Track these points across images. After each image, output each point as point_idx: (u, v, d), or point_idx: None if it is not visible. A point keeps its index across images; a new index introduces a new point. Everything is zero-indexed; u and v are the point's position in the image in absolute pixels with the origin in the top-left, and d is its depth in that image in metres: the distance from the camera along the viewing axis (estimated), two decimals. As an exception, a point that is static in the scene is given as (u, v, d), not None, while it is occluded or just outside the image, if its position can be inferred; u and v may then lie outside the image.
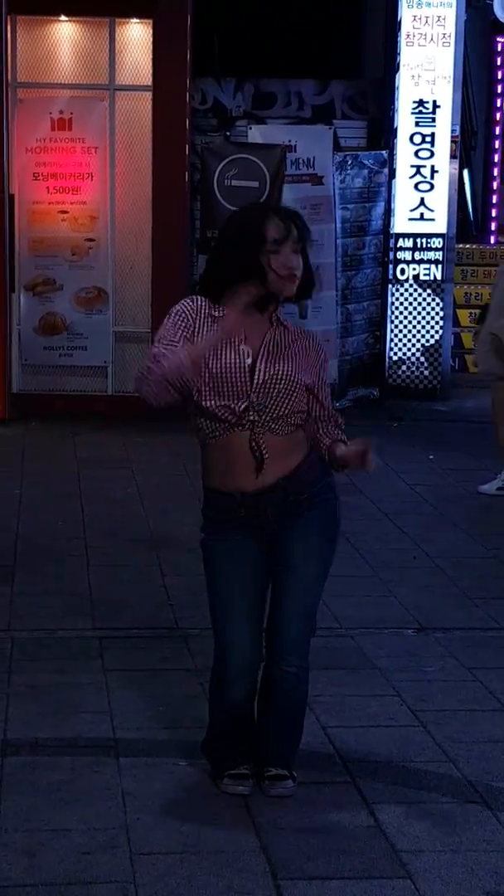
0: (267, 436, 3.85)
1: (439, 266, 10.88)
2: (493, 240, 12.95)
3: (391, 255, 10.88)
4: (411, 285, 10.92)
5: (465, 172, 12.59)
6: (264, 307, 3.88)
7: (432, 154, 10.75)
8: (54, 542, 6.85)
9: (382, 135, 10.99)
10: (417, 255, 10.89)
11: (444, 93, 10.68)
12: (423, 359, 10.98)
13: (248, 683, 4.01)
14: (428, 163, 10.77)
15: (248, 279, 3.81)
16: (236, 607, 3.96)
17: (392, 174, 10.78)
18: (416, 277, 10.91)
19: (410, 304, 10.93)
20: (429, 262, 10.88)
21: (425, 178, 10.79)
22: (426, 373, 10.99)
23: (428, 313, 10.93)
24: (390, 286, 10.92)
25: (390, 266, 10.89)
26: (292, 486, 3.90)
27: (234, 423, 3.84)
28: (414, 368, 10.99)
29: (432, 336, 10.94)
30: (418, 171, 10.79)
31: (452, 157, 10.80)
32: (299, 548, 3.95)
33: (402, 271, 10.91)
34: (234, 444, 3.87)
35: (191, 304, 3.89)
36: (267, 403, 3.83)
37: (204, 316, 3.86)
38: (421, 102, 10.71)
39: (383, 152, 10.80)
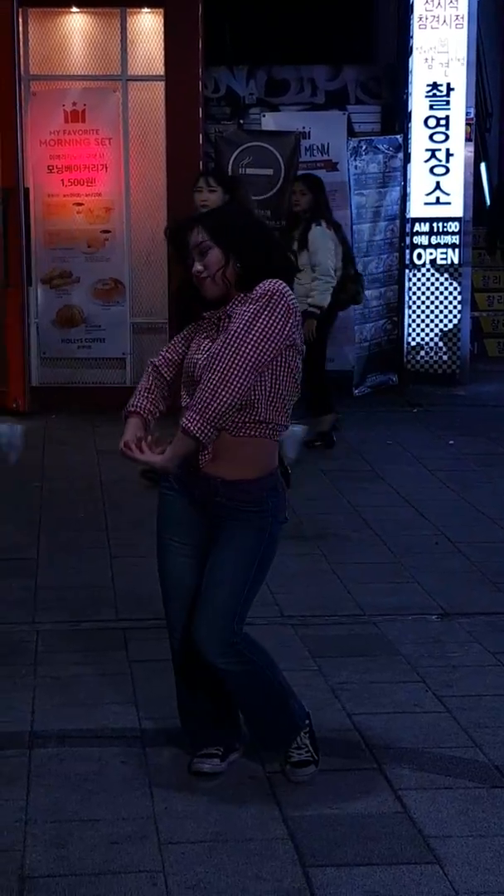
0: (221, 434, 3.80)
1: (456, 250, 10.86)
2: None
3: (408, 240, 10.86)
4: (428, 270, 10.90)
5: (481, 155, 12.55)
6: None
7: (447, 137, 10.72)
8: (76, 534, 6.87)
9: (397, 119, 10.97)
10: (434, 240, 10.87)
11: (457, 75, 10.64)
12: (441, 344, 10.96)
13: (185, 631, 4.00)
14: (443, 146, 10.74)
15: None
16: (175, 564, 4.00)
17: (407, 158, 10.75)
18: (433, 262, 10.89)
19: (428, 288, 10.91)
20: (446, 246, 10.86)
21: (440, 161, 10.76)
22: (445, 358, 10.98)
23: (446, 298, 10.91)
24: (407, 271, 10.90)
25: (407, 251, 10.87)
26: (224, 491, 3.86)
27: None
28: (432, 353, 10.98)
29: (450, 321, 10.92)
30: (433, 155, 10.76)
31: (467, 140, 10.76)
32: (215, 555, 3.92)
33: (419, 256, 10.89)
34: None
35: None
36: None
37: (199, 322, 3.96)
38: (435, 85, 10.67)
39: (398, 137, 10.77)
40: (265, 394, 3.80)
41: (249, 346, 3.72)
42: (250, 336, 3.72)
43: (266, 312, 3.74)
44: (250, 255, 3.83)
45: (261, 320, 3.74)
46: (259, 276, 3.81)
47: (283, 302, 3.76)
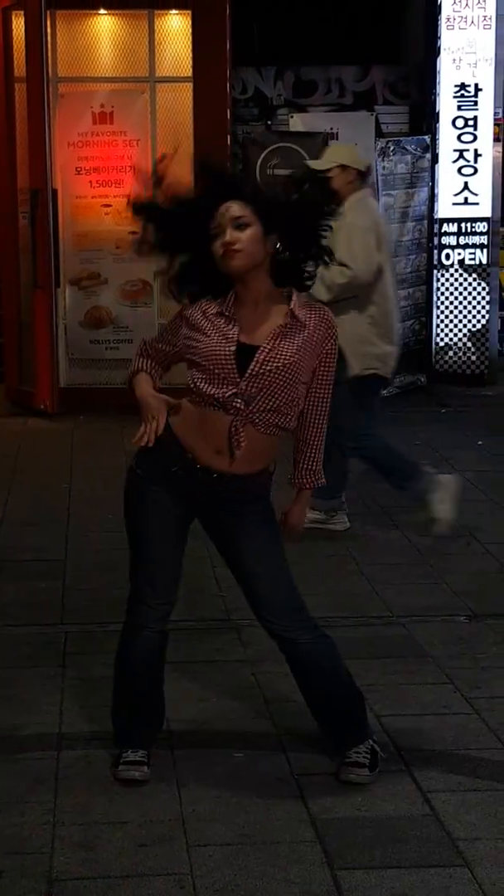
0: (248, 428, 3.84)
1: (484, 250, 10.82)
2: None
3: (436, 241, 10.82)
4: (456, 270, 10.86)
5: None
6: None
7: (475, 138, 10.68)
8: (104, 535, 6.87)
9: (424, 120, 10.93)
10: (462, 240, 10.83)
11: (485, 76, 10.60)
12: (469, 344, 10.92)
13: (163, 624, 4.08)
14: (471, 147, 10.70)
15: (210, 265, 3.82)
16: (151, 551, 4.03)
17: (435, 159, 10.72)
18: (461, 262, 10.85)
19: (456, 289, 10.88)
20: (474, 246, 10.82)
21: (468, 161, 10.72)
22: (473, 358, 10.93)
23: (474, 298, 10.87)
24: (435, 272, 10.86)
25: (435, 251, 10.83)
26: (233, 485, 3.89)
27: (218, 406, 3.85)
28: (461, 354, 10.94)
29: (479, 321, 10.88)
30: (461, 156, 10.73)
31: (496, 140, 10.73)
32: (250, 542, 3.98)
33: (447, 256, 10.85)
34: (213, 420, 3.87)
35: (188, 308, 3.96)
36: (256, 395, 3.82)
37: (200, 314, 3.91)
38: (463, 86, 10.64)
39: (426, 137, 10.74)
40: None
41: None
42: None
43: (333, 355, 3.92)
44: (295, 236, 3.82)
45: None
46: (301, 260, 3.84)
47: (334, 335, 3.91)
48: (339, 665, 4.12)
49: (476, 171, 10.72)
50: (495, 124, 10.69)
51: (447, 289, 10.88)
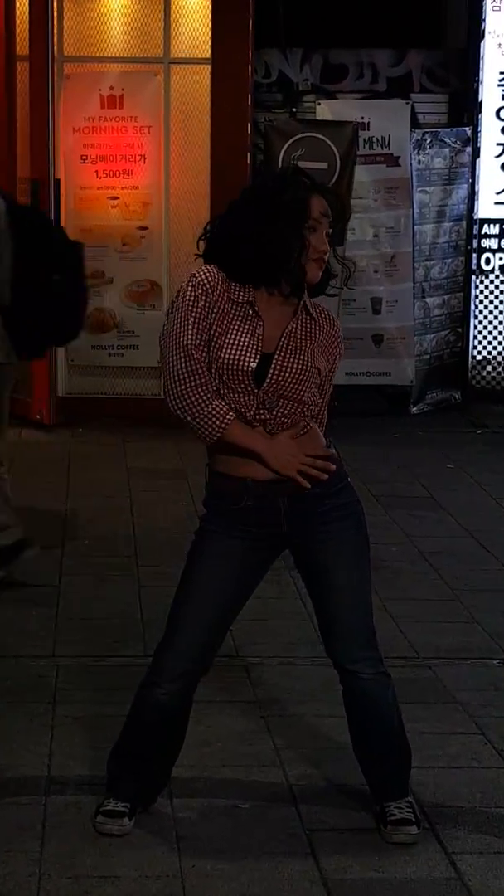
0: (280, 430, 3.90)
1: (529, 255, 10.85)
2: None
3: (475, 243, 10.84)
4: (497, 276, 10.88)
5: None
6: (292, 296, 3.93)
7: (521, 131, 10.73)
8: (102, 559, 6.89)
9: (465, 110, 10.97)
10: (504, 243, 10.87)
11: (534, 62, 10.65)
12: (510, 358, 10.94)
13: (180, 688, 4.03)
14: (516, 140, 10.75)
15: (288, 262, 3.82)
16: (202, 605, 3.98)
17: (476, 153, 10.75)
18: (502, 267, 10.87)
19: (496, 297, 10.89)
20: (517, 250, 10.86)
21: (513, 157, 10.77)
22: (514, 373, 10.96)
23: (516, 307, 10.90)
24: (474, 277, 10.88)
25: (474, 255, 10.85)
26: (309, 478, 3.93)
27: (244, 420, 3.89)
28: (500, 369, 10.95)
29: (521, 333, 10.91)
30: (505, 150, 10.78)
31: (544, 133, 10.77)
32: (339, 554, 3.99)
33: (487, 261, 10.87)
34: None
35: (206, 281, 3.89)
36: (277, 402, 3.87)
37: (223, 299, 3.89)
38: (509, 73, 10.70)
39: (466, 129, 10.78)
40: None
41: None
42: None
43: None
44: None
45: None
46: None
47: None
48: (396, 707, 4.15)
49: (521, 167, 10.76)
50: (544, 116, 10.73)
51: (486, 296, 10.90)
